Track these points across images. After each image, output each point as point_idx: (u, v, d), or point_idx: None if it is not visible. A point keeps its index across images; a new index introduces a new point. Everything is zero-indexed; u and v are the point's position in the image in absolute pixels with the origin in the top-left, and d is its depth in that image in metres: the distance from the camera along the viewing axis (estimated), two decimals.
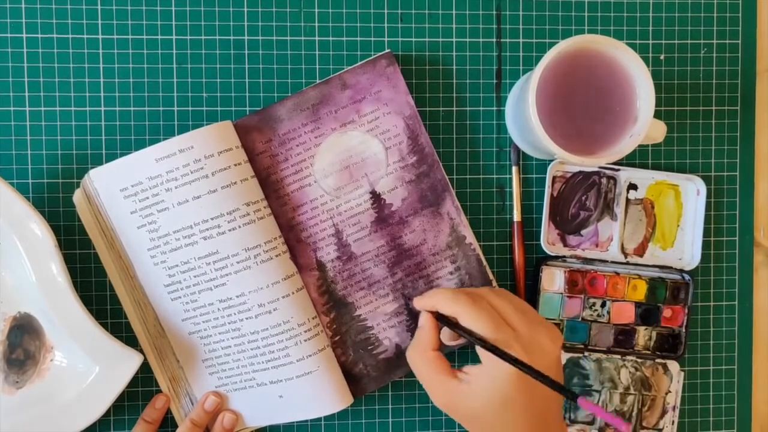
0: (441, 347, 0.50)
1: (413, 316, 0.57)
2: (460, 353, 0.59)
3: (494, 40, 0.58)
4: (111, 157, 0.54)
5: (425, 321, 0.50)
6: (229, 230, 0.52)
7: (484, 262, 0.57)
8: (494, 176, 0.58)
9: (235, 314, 0.53)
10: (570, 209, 0.58)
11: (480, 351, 0.47)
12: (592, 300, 0.58)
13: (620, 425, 0.41)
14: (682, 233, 0.59)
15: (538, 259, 0.58)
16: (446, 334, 0.51)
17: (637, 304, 0.59)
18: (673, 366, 0.59)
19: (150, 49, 0.56)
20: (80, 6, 0.55)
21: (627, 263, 0.58)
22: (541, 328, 0.47)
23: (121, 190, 0.52)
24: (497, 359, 0.45)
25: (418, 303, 0.51)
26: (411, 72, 0.57)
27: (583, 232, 0.58)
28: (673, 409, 0.59)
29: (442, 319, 0.49)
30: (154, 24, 0.56)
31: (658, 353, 0.59)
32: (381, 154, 0.56)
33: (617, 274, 0.59)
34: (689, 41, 0.59)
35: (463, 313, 0.47)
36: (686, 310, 0.59)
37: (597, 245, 0.59)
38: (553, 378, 0.45)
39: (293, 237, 0.55)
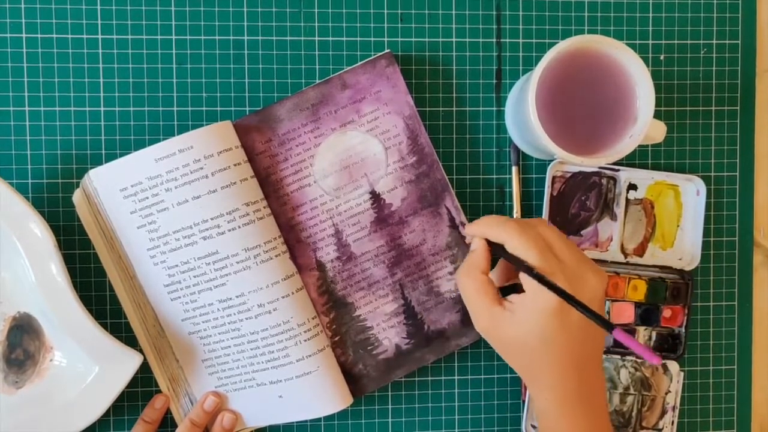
0: (491, 272, 0.49)
1: (412, 316, 0.57)
2: None
3: (494, 40, 0.58)
4: (111, 157, 0.54)
5: (477, 245, 0.49)
6: (229, 230, 0.52)
7: None
8: (494, 176, 0.58)
9: (234, 314, 0.53)
10: (570, 209, 0.58)
11: (524, 280, 0.46)
12: None
13: (652, 358, 0.41)
14: (682, 233, 0.59)
15: None
16: (495, 275, 0.51)
17: (637, 305, 0.59)
18: (673, 366, 0.59)
19: (150, 49, 0.56)
20: (80, 6, 0.55)
21: (627, 263, 0.58)
22: (587, 265, 0.47)
23: (120, 190, 0.52)
24: (541, 290, 0.45)
25: (468, 230, 0.51)
26: (411, 72, 0.57)
27: (582, 232, 0.58)
28: (673, 409, 0.59)
29: (492, 246, 0.49)
30: (154, 24, 0.56)
31: (657, 353, 0.59)
32: (381, 154, 0.56)
33: (617, 274, 0.59)
34: (689, 41, 0.59)
35: (509, 239, 0.47)
36: (686, 311, 0.59)
37: (597, 245, 0.59)
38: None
39: (293, 237, 0.55)
